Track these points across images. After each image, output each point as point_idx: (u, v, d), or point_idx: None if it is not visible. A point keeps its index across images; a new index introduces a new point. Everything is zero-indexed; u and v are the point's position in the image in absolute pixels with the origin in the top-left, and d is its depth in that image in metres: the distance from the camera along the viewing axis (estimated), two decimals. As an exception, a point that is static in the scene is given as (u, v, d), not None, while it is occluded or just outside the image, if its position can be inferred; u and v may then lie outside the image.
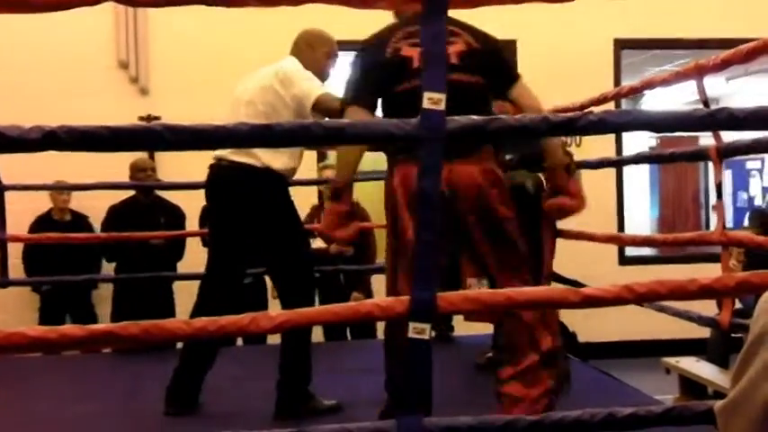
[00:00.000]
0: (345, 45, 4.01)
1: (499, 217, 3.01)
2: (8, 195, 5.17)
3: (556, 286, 3.26)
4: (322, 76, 3.77)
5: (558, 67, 7.19)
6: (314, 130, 1.91)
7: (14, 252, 5.94)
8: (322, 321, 2.05)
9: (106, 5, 1.90)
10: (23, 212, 6.05)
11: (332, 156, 7.03)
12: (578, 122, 2.00)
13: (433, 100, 1.79)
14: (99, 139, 1.85)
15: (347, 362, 4.83)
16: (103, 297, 6.22)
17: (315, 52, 3.79)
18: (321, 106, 3.54)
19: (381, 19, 3.27)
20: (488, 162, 3.05)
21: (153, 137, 1.91)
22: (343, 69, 3.70)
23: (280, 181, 3.64)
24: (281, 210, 3.67)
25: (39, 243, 5.94)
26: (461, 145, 2.79)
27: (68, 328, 1.77)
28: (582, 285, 2.48)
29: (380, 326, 2.83)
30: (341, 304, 1.90)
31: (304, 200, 6.35)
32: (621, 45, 7.67)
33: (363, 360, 4.75)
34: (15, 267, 6.00)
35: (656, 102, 11.16)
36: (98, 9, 1.92)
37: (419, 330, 1.80)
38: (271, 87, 3.62)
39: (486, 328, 5.23)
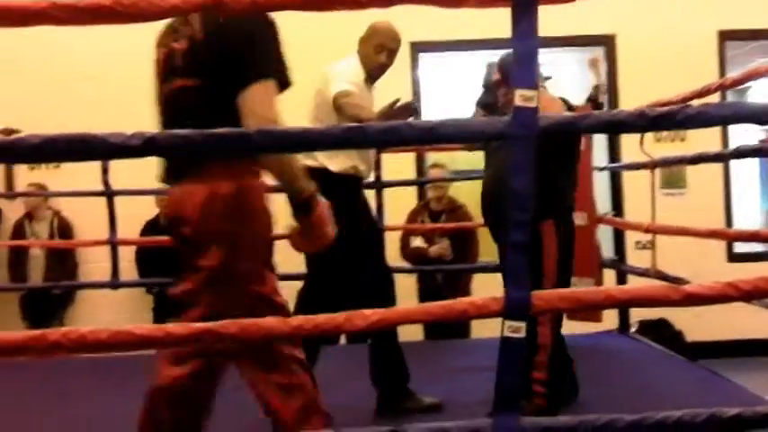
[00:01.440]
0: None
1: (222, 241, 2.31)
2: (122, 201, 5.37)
3: (657, 283, 3.17)
4: (373, 71, 3.72)
5: (660, 61, 7.04)
6: (404, 132, 1.92)
7: (126, 255, 6.22)
8: (417, 320, 2.07)
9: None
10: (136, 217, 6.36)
11: (432, 157, 7.08)
12: (677, 116, 1.96)
13: (525, 97, 1.78)
14: (196, 144, 1.91)
15: (449, 361, 4.83)
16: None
17: (367, 46, 3.76)
18: (335, 104, 3.51)
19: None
20: (221, 182, 2.29)
21: (246, 141, 1.96)
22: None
23: (339, 182, 3.55)
24: (340, 211, 3.38)
25: (148, 246, 6.16)
26: (184, 165, 2.33)
27: (173, 327, 1.84)
28: (685, 282, 2.42)
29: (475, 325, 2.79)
30: (435, 303, 1.91)
31: (405, 201, 6.43)
32: (725, 37, 7.44)
33: (465, 359, 4.75)
34: (127, 269, 6.27)
35: (763, 94, 10.77)
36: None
37: (515, 329, 1.80)
38: (320, 90, 3.67)
39: (587, 328, 5.18)
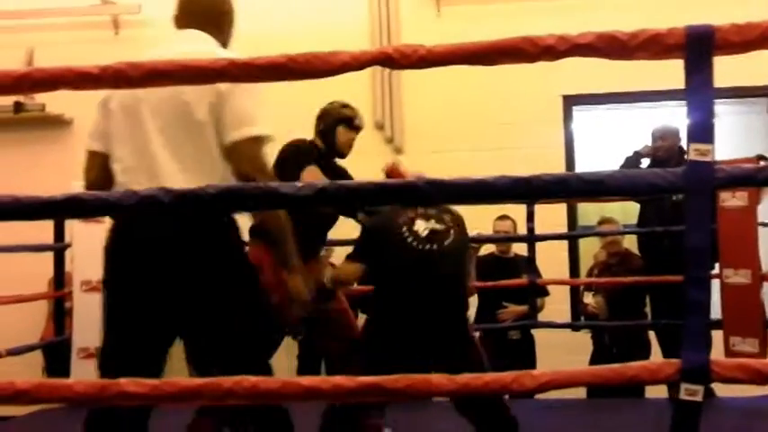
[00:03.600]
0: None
1: None
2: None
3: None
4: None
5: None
6: (573, 184, 1.89)
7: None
8: (587, 383, 2.01)
9: (364, 71, 1.99)
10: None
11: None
12: None
13: (700, 151, 1.72)
14: (366, 194, 1.95)
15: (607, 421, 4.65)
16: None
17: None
18: (248, 151, 2.69)
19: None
20: None
21: (414, 191, 1.97)
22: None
23: None
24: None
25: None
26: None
27: (341, 379, 1.85)
28: None
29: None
30: (606, 366, 1.85)
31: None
32: None
33: (630, 420, 4.59)
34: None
35: None
36: (356, 74, 2.01)
37: (692, 392, 1.72)
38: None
39: (752, 390, 4.88)
